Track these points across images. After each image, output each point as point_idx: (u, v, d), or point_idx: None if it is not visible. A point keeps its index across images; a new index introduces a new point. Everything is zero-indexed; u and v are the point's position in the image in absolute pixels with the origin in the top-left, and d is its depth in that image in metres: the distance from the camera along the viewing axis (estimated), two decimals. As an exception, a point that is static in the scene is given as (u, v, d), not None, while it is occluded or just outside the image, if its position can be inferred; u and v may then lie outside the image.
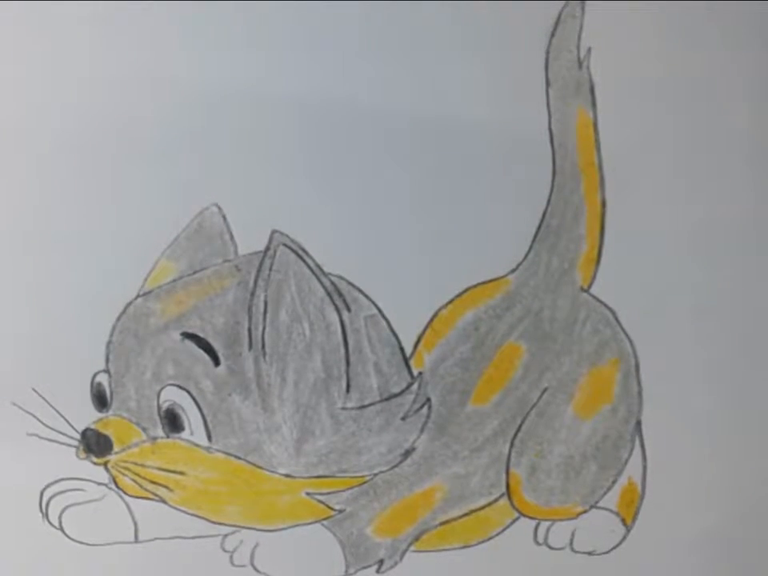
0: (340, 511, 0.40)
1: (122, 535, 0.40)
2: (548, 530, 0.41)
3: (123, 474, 0.39)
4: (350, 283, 0.38)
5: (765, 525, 0.41)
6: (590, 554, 0.41)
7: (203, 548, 0.41)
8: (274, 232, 0.37)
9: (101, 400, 0.39)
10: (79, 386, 0.38)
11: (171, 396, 0.38)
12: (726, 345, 0.39)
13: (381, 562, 0.41)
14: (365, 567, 0.41)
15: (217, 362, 0.38)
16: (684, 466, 0.40)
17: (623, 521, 0.41)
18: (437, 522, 0.40)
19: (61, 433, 0.39)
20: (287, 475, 0.39)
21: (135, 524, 0.40)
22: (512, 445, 0.39)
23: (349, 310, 0.38)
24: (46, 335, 0.38)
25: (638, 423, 0.39)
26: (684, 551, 0.41)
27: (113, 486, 0.40)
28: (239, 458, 0.39)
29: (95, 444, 0.39)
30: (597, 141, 0.37)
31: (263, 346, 0.38)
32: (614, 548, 0.41)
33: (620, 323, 0.38)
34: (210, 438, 0.39)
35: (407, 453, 0.39)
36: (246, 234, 0.37)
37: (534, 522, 0.41)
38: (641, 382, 0.39)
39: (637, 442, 0.40)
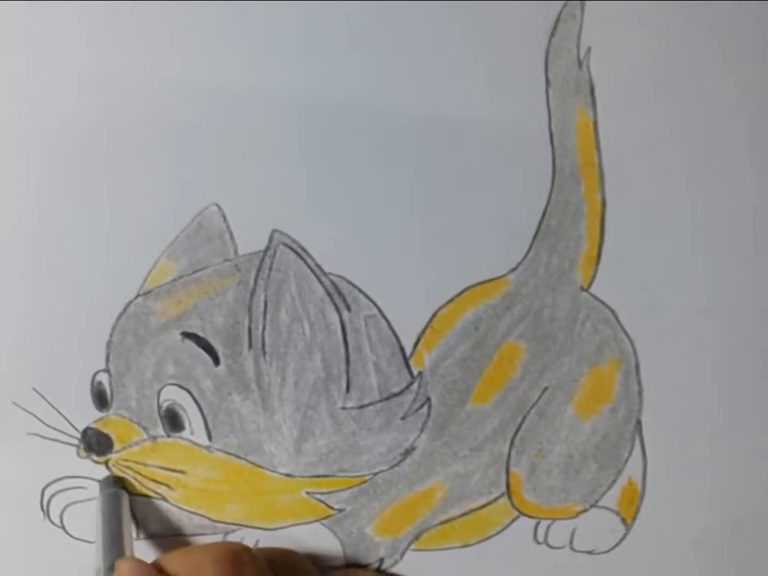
0: (340, 510, 0.40)
1: (124, 533, 0.41)
2: (548, 529, 0.41)
3: (124, 473, 0.40)
4: (350, 283, 0.38)
5: (765, 525, 0.41)
6: (589, 553, 0.41)
7: (144, 524, 0.41)
8: (273, 232, 0.37)
9: (101, 399, 0.39)
10: (79, 385, 0.39)
11: (171, 395, 0.38)
12: (727, 344, 0.39)
13: (381, 560, 0.41)
14: (365, 566, 0.41)
15: (217, 361, 0.38)
16: (684, 465, 0.40)
17: (623, 520, 0.41)
18: (437, 521, 0.40)
19: (61, 432, 0.39)
20: (287, 474, 0.39)
21: (136, 522, 0.40)
22: (512, 444, 0.39)
23: (349, 309, 0.38)
24: (46, 335, 0.38)
25: (638, 423, 0.39)
26: (684, 551, 0.41)
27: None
28: (239, 458, 0.39)
29: (96, 443, 0.39)
30: (597, 141, 0.36)
31: (263, 346, 0.38)
32: (614, 547, 0.41)
33: (620, 323, 0.38)
34: (210, 437, 0.39)
35: (407, 452, 0.39)
36: (246, 234, 0.37)
37: (533, 522, 0.41)
38: (641, 382, 0.39)
39: (637, 442, 0.40)
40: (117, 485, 0.39)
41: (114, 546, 0.36)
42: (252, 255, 0.37)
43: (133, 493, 0.40)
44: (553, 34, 0.35)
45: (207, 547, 0.36)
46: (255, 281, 0.37)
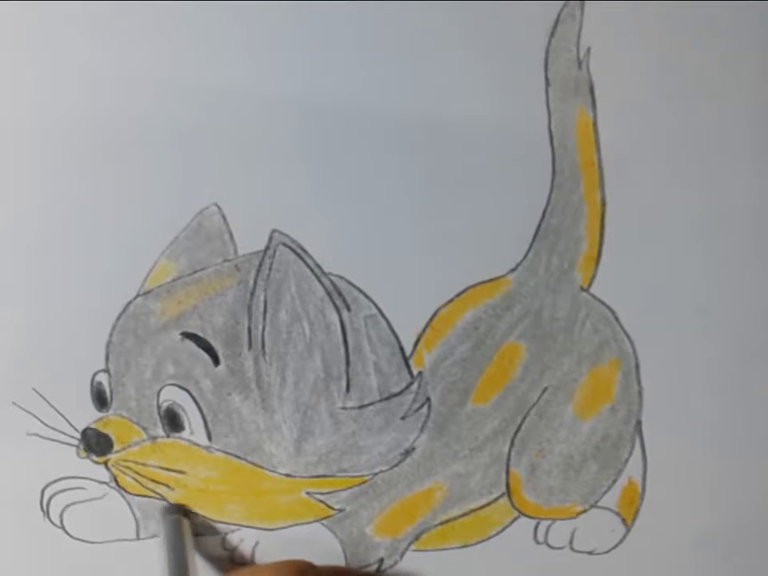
0: (340, 510, 0.40)
1: (124, 533, 0.41)
2: (548, 529, 0.41)
3: (124, 473, 0.40)
4: (350, 283, 0.38)
5: (765, 525, 0.41)
6: (590, 553, 0.41)
7: (204, 546, 0.41)
8: (273, 232, 0.37)
9: (101, 399, 0.39)
10: (79, 385, 0.39)
11: (171, 395, 0.38)
12: (727, 344, 0.39)
13: (381, 560, 0.41)
14: (365, 566, 0.41)
15: (216, 361, 0.38)
16: (684, 465, 0.40)
17: (623, 520, 0.41)
18: (437, 521, 0.40)
19: (61, 432, 0.39)
20: (287, 475, 0.39)
21: (137, 522, 0.40)
22: (512, 444, 0.39)
23: (349, 309, 0.38)
24: (46, 335, 0.38)
25: (638, 423, 0.39)
26: (684, 551, 0.41)
27: (113, 485, 0.40)
28: (239, 458, 0.39)
29: (95, 443, 0.39)
30: (597, 140, 0.36)
31: (263, 346, 0.38)
32: (614, 548, 0.41)
33: (620, 323, 0.38)
34: (209, 437, 0.39)
35: (407, 452, 0.39)
36: (246, 234, 0.37)
37: (533, 522, 0.41)
38: (641, 382, 0.39)
39: (637, 442, 0.40)
40: (179, 511, 0.40)
41: (181, 573, 0.37)
42: (252, 255, 0.37)
43: (133, 493, 0.40)
44: (553, 35, 0.35)
45: (272, 566, 0.38)
46: (255, 281, 0.37)
